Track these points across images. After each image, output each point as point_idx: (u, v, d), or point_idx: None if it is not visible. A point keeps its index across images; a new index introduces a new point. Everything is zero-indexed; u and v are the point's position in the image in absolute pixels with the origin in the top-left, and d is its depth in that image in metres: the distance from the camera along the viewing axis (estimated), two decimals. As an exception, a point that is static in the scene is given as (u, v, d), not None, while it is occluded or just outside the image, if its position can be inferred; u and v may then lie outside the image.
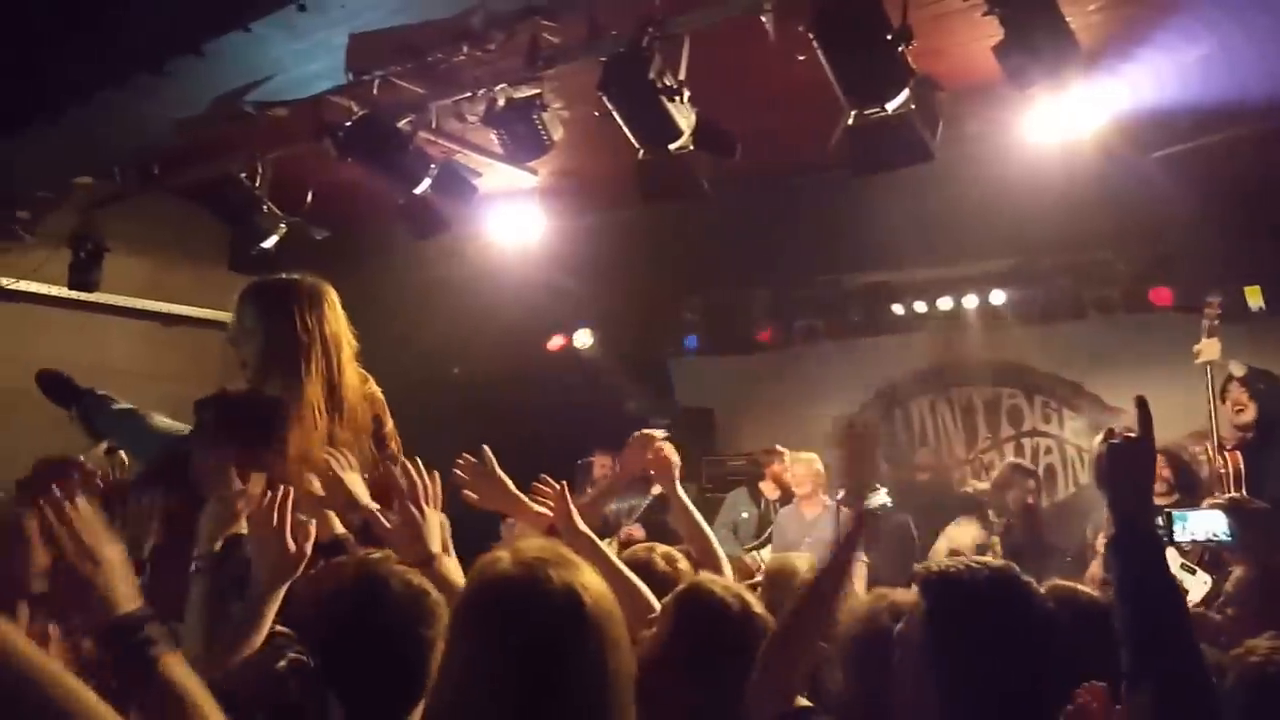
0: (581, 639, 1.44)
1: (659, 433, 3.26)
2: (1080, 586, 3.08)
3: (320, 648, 1.80)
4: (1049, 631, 1.76)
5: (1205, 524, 4.25)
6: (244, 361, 3.11)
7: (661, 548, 3.00)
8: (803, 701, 2.12)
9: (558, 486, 2.84)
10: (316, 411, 2.91)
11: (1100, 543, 6.15)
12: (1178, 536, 4.29)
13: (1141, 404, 1.89)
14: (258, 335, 3.05)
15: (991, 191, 5.74)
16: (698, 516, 3.05)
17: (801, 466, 6.76)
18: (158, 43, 4.50)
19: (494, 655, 1.43)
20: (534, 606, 1.44)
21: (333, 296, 3.18)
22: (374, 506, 2.65)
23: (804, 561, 3.38)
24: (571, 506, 2.73)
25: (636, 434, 3.26)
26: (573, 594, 1.45)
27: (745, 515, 7.25)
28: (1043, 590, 2.57)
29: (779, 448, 7.20)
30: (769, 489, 7.26)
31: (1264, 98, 5.03)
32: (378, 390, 3.26)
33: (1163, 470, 5.35)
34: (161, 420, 3.40)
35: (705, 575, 2.46)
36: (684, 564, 2.89)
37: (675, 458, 3.20)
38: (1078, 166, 5.24)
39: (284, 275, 3.25)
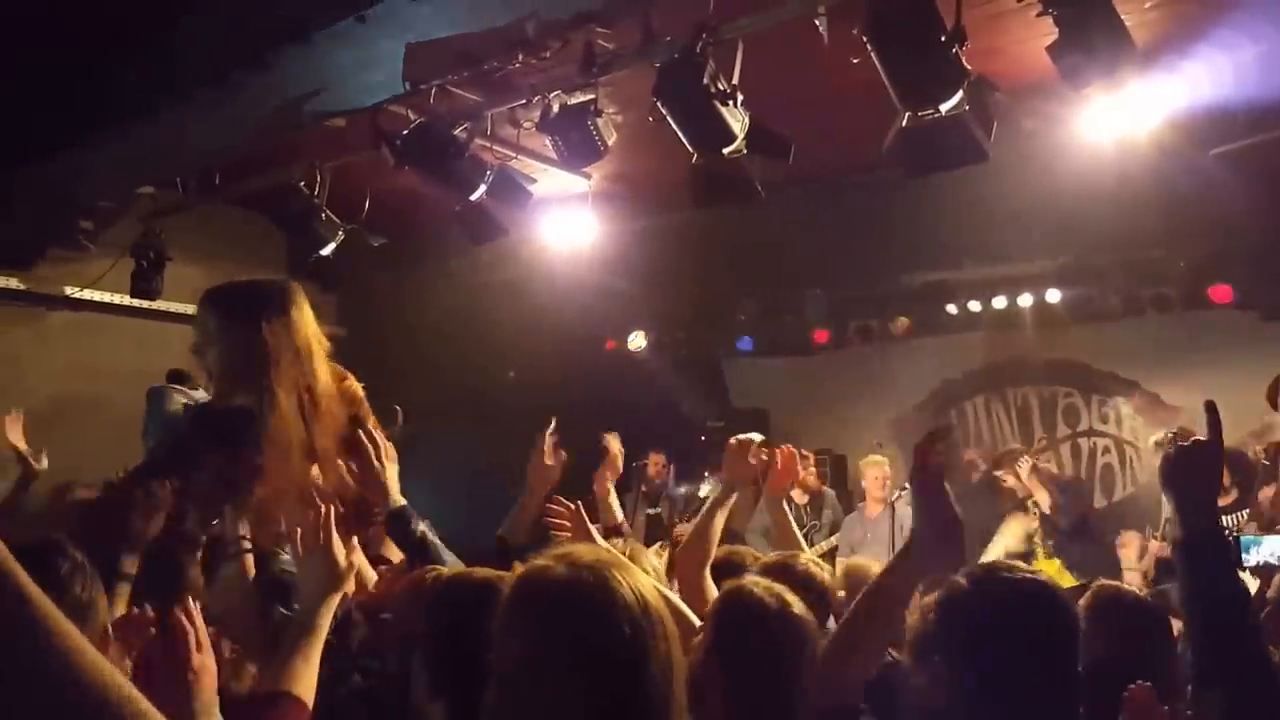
0: (653, 636, 1.48)
1: (756, 437, 3.20)
2: (1124, 586, 3.07)
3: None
4: (1074, 639, 1.75)
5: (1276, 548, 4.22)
6: (209, 371, 2.98)
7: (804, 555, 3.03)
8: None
9: (572, 508, 2.97)
10: (292, 422, 2.79)
11: (1154, 545, 6.08)
12: (1249, 560, 4.24)
13: (1211, 409, 1.88)
14: (220, 343, 2.90)
15: (1047, 189, 5.70)
16: (795, 530, 3.04)
17: (874, 469, 7.02)
18: (220, 56, 4.61)
19: (573, 656, 1.47)
20: (611, 606, 1.49)
21: (299, 298, 2.96)
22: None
23: (877, 565, 3.38)
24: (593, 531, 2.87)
25: (733, 441, 3.20)
26: (641, 593, 1.50)
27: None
28: (1091, 589, 2.56)
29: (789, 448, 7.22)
30: (796, 494, 7.25)
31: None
32: (355, 385, 3.10)
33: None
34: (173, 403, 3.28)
35: (750, 578, 2.48)
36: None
37: (795, 464, 3.19)
38: (1134, 164, 5.18)
39: (248, 279, 3.13)
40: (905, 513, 6.43)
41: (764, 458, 3.26)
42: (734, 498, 3.20)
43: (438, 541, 2.78)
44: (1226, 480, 5.35)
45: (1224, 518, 5.22)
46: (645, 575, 1.59)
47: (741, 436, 3.23)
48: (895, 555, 2.13)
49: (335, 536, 2.18)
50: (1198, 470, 1.82)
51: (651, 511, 7.68)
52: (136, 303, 7.06)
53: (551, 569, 1.54)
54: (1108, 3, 3.61)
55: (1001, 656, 1.70)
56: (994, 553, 6.00)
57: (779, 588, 2.28)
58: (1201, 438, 1.85)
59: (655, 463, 8.02)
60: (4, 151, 5.27)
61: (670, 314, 8.57)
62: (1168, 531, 4.24)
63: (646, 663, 1.47)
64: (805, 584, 2.64)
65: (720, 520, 3.15)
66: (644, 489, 8.00)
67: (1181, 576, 1.81)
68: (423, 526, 2.81)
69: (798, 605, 2.23)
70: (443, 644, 1.99)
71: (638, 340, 8.77)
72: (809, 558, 3.05)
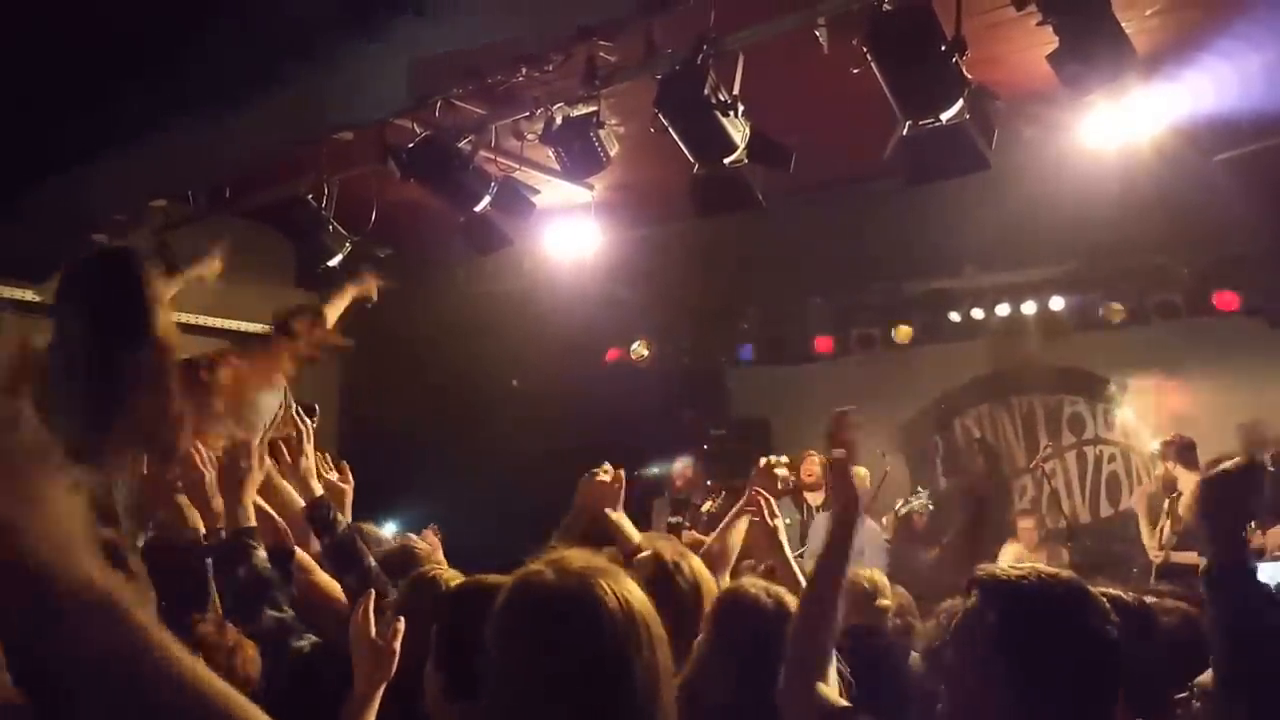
0: (639, 642, 1.50)
1: (782, 459, 3.24)
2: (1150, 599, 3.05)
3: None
4: (1115, 646, 1.70)
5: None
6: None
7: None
8: (841, 701, 2.15)
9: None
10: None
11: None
12: None
13: (1247, 432, 1.98)
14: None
15: (1049, 197, 5.71)
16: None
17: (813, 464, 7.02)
18: (230, 73, 4.67)
19: (557, 663, 1.49)
20: (595, 614, 1.50)
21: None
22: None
23: (867, 571, 3.39)
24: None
25: (761, 464, 3.23)
26: (627, 601, 1.52)
27: (788, 522, 7.24)
28: (1125, 597, 2.55)
29: (810, 451, 7.23)
30: (814, 496, 7.27)
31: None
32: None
33: None
34: None
35: (748, 579, 2.50)
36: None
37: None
38: (1137, 171, 5.19)
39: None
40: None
41: (791, 482, 3.27)
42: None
43: (359, 540, 2.87)
44: None
45: None
46: (634, 583, 1.60)
47: (769, 459, 3.26)
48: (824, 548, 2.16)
49: (374, 626, 2.22)
50: (1232, 496, 1.82)
51: (673, 520, 7.67)
52: (150, 314, 7.09)
53: (540, 575, 1.56)
54: (1108, 11, 3.62)
55: (1045, 660, 1.66)
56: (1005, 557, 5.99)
57: (777, 589, 2.30)
58: (1229, 465, 1.84)
59: (683, 474, 8.05)
60: (22, 166, 5.33)
61: (672, 323, 8.60)
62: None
63: (631, 670, 1.48)
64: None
65: (739, 535, 3.19)
66: (668, 497, 8.04)
67: (1210, 606, 1.80)
68: (345, 521, 2.93)
69: (795, 606, 2.25)
70: (461, 650, 2.01)
71: (640, 349, 8.79)
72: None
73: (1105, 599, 1.72)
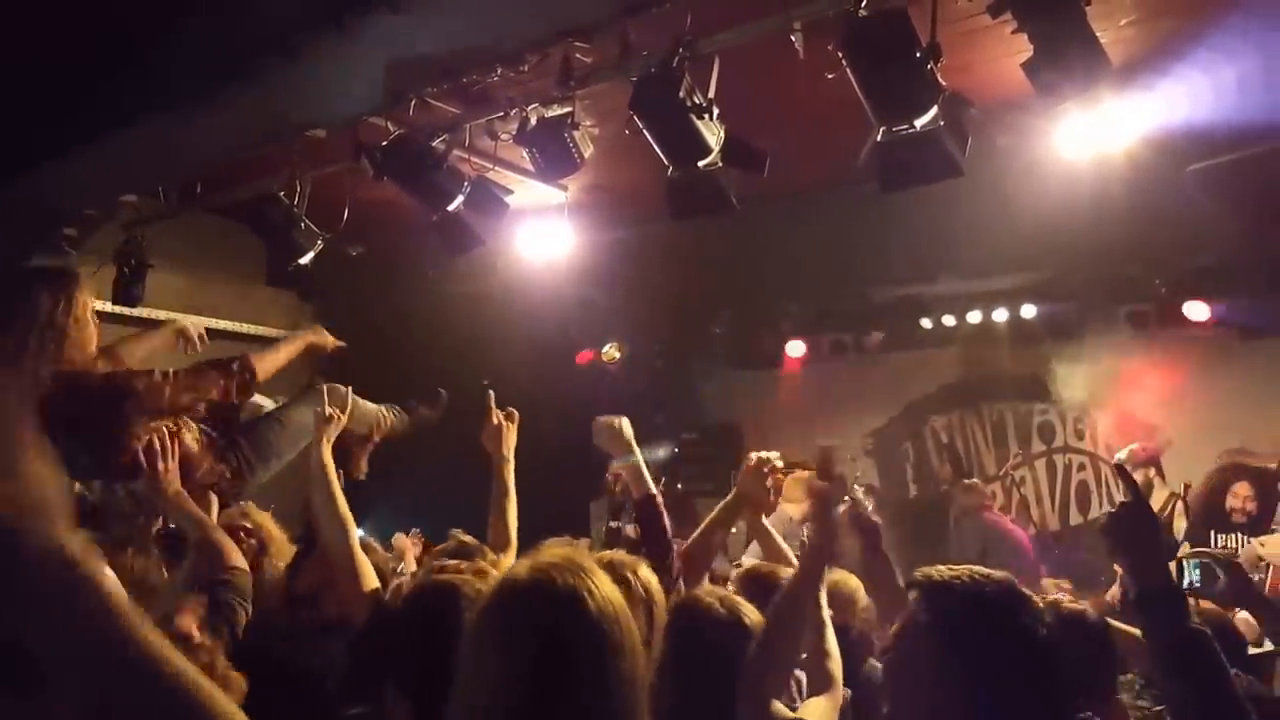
0: (585, 643, 1.47)
1: (774, 456, 3.21)
2: (1064, 600, 3.12)
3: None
4: (1051, 645, 1.76)
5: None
6: None
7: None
8: (786, 713, 2.16)
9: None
10: None
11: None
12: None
13: (1120, 471, 2.03)
14: None
15: (1022, 205, 5.73)
16: (783, 545, 3.02)
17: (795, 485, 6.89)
18: (204, 68, 4.62)
19: (504, 657, 1.47)
20: (540, 610, 1.49)
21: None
22: None
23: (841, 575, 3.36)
24: None
25: (752, 458, 3.22)
26: (577, 598, 1.49)
27: (734, 530, 7.21)
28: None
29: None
30: (793, 510, 7.23)
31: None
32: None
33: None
34: None
35: (706, 587, 2.50)
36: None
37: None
38: (1110, 181, 5.21)
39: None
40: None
41: (780, 478, 3.26)
42: (738, 516, 3.22)
43: None
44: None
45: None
46: (606, 580, 1.58)
47: (762, 454, 3.24)
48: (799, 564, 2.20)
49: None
50: (1135, 529, 1.88)
51: (613, 524, 7.63)
52: (118, 309, 7.03)
53: (520, 577, 1.54)
54: (1083, 19, 3.62)
55: (982, 659, 1.70)
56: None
57: (734, 598, 2.30)
58: (1125, 499, 1.92)
59: (620, 476, 7.98)
60: (-8, 160, 5.28)
61: (645, 326, 8.58)
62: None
63: (611, 670, 1.47)
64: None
65: (721, 537, 3.17)
66: (605, 501, 7.98)
67: (1144, 634, 1.84)
68: None
69: (751, 614, 2.24)
70: (420, 672, 1.96)
71: (612, 351, 8.77)
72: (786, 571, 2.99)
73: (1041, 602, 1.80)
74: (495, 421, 3.41)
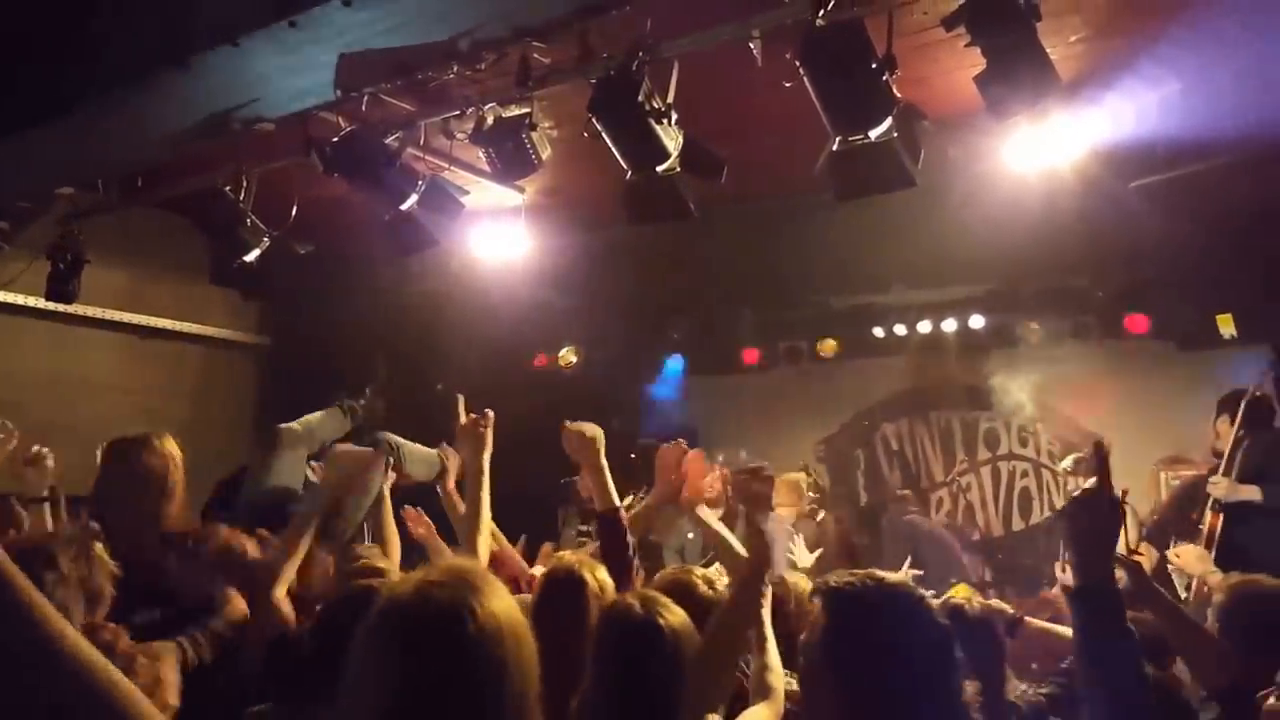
0: (462, 660, 1.45)
1: (684, 444, 3.20)
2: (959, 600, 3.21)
3: None
4: (942, 642, 1.80)
5: None
6: None
7: (700, 571, 2.94)
8: None
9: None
10: None
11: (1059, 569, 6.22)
12: None
13: (1098, 450, 1.97)
14: None
15: (972, 218, 5.81)
16: (727, 534, 3.00)
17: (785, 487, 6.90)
18: (143, 56, 4.49)
19: (377, 672, 1.45)
20: (414, 627, 1.46)
21: None
22: None
23: (805, 582, 3.35)
24: None
25: (664, 447, 3.21)
26: (454, 616, 1.46)
27: (691, 536, 7.23)
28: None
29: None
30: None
31: (1236, 131, 5.13)
32: None
33: None
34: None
35: (633, 592, 2.49)
36: (722, 585, 2.85)
37: (703, 469, 3.16)
38: (1057, 194, 5.30)
39: None
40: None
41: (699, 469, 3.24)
42: (657, 509, 3.21)
43: None
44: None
45: None
46: (500, 596, 1.55)
47: (672, 443, 3.21)
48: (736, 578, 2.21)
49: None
50: (1094, 519, 1.87)
51: (583, 529, 7.59)
52: (52, 306, 6.83)
53: (402, 592, 1.51)
54: (1033, 35, 3.68)
55: (872, 656, 1.75)
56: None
57: (663, 602, 2.29)
58: (1089, 485, 1.91)
59: (585, 486, 7.93)
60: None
61: (602, 330, 8.56)
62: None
63: (490, 689, 1.44)
64: (689, 598, 2.61)
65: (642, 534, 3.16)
66: (575, 507, 7.93)
67: (1073, 622, 1.85)
68: None
69: (675, 618, 2.24)
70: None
71: (567, 355, 8.74)
72: (703, 574, 2.93)
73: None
74: (463, 421, 3.31)
